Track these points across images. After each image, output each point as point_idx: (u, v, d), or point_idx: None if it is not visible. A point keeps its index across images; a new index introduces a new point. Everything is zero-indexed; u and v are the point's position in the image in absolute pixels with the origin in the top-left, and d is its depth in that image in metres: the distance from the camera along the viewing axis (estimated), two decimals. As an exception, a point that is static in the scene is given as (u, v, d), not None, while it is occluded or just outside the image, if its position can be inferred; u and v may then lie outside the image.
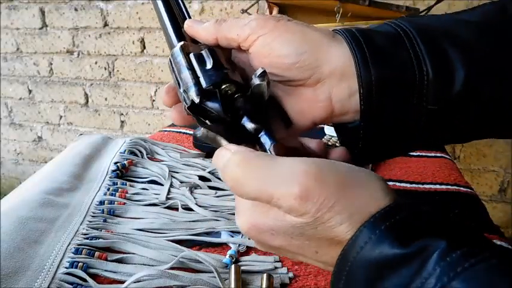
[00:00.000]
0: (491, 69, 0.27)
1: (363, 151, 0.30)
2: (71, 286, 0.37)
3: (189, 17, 0.34)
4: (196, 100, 0.29)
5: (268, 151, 0.29)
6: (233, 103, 0.30)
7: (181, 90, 0.30)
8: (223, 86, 0.29)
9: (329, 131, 0.68)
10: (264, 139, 0.30)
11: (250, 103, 0.29)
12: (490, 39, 0.28)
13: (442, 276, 0.18)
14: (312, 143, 0.31)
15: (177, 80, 0.31)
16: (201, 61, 0.30)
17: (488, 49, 0.27)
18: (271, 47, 0.29)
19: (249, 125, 0.30)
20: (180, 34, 0.33)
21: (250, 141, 0.30)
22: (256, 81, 0.28)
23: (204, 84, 0.29)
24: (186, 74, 0.30)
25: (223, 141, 0.29)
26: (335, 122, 0.31)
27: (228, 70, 0.30)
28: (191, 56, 0.31)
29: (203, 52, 0.31)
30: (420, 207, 0.22)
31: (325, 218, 0.23)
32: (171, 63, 0.32)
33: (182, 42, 0.32)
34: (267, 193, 0.24)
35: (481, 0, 1.20)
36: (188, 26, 0.32)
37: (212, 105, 0.29)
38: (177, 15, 0.34)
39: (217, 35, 0.31)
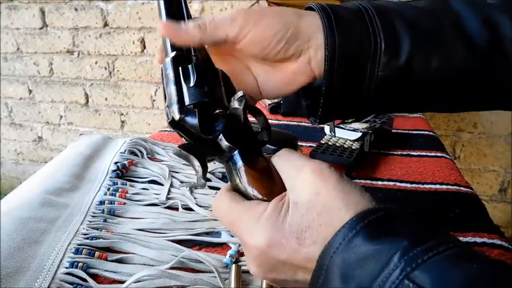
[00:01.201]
0: (430, 46, 0.33)
1: (323, 108, 0.35)
2: (71, 286, 0.37)
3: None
4: (177, 117, 0.30)
5: (237, 171, 0.31)
6: (211, 121, 0.31)
7: (166, 104, 0.31)
8: (203, 104, 0.31)
9: (329, 130, 0.68)
10: (236, 158, 0.32)
11: (227, 123, 0.31)
12: (431, 22, 0.34)
13: (405, 267, 0.22)
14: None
15: (164, 92, 0.32)
16: (187, 76, 0.32)
17: (428, 29, 0.33)
18: (261, 37, 0.32)
19: (224, 144, 0.32)
20: (176, 44, 0.34)
21: (224, 158, 0.32)
22: (234, 104, 0.31)
23: (186, 102, 0.31)
24: (171, 89, 0.31)
25: (195, 162, 0.31)
26: (316, 83, 0.36)
27: (211, 86, 0.31)
28: (180, 69, 0.32)
29: (189, 67, 0.32)
30: (392, 211, 0.26)
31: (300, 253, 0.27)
32: (162, 74, 0.33)
33: (174, 53, 0.33)
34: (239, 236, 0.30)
35: None
36: (165, 30, 0.33)
37: (191, 122, 0.30)
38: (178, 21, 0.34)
39: (202, 38, 0.33)
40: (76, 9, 1.61)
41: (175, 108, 0.31)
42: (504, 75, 0.34)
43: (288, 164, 0.30)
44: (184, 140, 0.32)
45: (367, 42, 0.32)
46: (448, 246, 0.22)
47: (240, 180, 0.31)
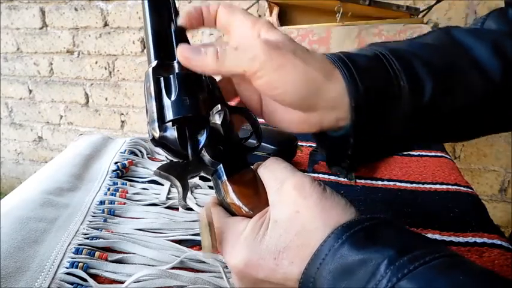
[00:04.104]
0: (451, 83, 0.33)
1: (352, 157, 0.33)
2: (71, 286, 0.37)
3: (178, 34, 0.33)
4: (157, 135, 0.30)
5: (222, 186, 0.31)
6: (192, 136, 0.30)
7: (147, 120, 0.31)
8: (182, 120, 0.30)
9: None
10: (220, 173, 0.31)
11: (209, 137, 0.30)
12: (445, 59, 0.34)
13: (392, 278, 0.22)
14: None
15: (146, 106, 0.31)
16: (167, 89, 0.30)
17: (446, 66, 0.33)
18: (276, 85, 0.30)
19: (207, 158, 0.31)
20: (160, 50, 0.33)
21: (209, 172, 0.32)
22: (213, 118, 0.30)
23: (166, 118, 0.30)
24: (152, 105, 0.30)
25: (176, 182, 0.30)
26: (334, 134, 0.34)
27: (193, 97, 0.30)
28: (161, 81, 0.31)
29: (171, 77, 0.31)
30: (379, 221, 0.26)
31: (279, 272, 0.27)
32: (144, 85, 0.32)
33: (156, 63, 0.32)
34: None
35: (481, 0, 1.20)
36: (184, 58, 0.30)
37: (172, 139, 0.30)
38: (163, 29, 0.33)
39: (220, 70, 0.30)
40: (76, 9, 1.61)
41: (155, 125, 0.30)
42: None
43: (272, 177, 0.30)
44: (166, 157, 0.31)
45: (391, 87, 0.31)
46: (435, 256, 0.22)
47: (224, 195, 0.31)
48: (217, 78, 0.34)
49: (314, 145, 0.66)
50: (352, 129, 0.31)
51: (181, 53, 0.31)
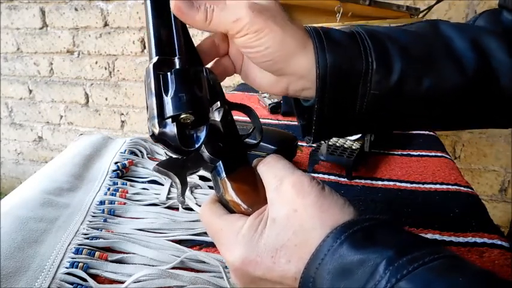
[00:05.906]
0: (421, 67, 0.34)
1: (316, 127, 0.35)
2: (71, 286, 0.37)
3: (179, 28, 0.34)
4: (156, 132, 0.30)
5: (220, 183, 0.31)
6: (192, 132, 0.31)
7: (147, 116, 0.31)
8: (182, 116, 0.30)
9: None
10: (219, 170, 0.31)
11: (208, 133, 0.30)
12: (422, 45, 0.34)
13: (391, 278, 0.22)
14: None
15: (146, 102, 0.31)
16: (167, 85, 0.31)
17: (419, 52, 0.34)
18: (252, 45, 0.32)
19: (206, 155, 0.31)
20: (161, 45, 0.33)
21: (208, 169, 0.32)
22: (213, 115, 0.31)
23: (165, 114, 0.30)
24: (152, 101, 0.30)
25: (175, 178, 0.30)
26: (308, 103, 0.36)
27: (192, 93, 0.30)
28: (161, 77, 0.31)
29: (170, 74, 0.31)
30: (379, 221, 0.26)
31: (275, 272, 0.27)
32: (145, 80, 0.32)
33: (157, 59, 0.32)
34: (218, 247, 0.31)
35: (481, 0, 1.20)
36: (177, 9, 0.32)
37: (171, 135, 0.30)
38: (164, 24, 0.33)
39: (207, 28, 0.33)
40: (76, 9, 1.61)
41: (155, 121, 0.30)
42: (494, 94, 0.35)
43: (271, 174, 0.30)
44: (166, 153, 0.31)
45: (359, 62, 0.32)
46: (434, 257, 0.22)
47: (223, 192, 0.31)
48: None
49: (314, 145, 0.66)
50: (317, 97, 0.33)
51: (176, 3, 0.32)
